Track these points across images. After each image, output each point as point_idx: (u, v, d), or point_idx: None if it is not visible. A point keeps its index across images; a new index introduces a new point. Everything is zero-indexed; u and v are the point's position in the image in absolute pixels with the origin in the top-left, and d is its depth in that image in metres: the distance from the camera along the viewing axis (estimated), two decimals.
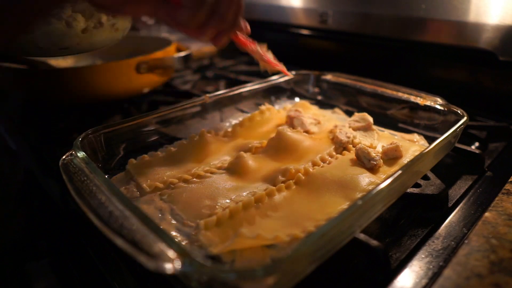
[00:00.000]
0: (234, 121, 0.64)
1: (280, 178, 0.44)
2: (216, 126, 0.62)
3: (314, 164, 0.48)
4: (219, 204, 0.40)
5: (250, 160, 0.48)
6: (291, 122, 0.60)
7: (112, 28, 0.56)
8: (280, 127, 0.55)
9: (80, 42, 0.54)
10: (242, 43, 0.51)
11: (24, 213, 0.61)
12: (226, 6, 0.39)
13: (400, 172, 0.36)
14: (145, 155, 0.51)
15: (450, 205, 0.45)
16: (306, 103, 0.69)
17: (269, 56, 0.55)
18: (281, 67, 0.56)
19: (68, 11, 0.50)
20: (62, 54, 0.54)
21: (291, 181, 0.44)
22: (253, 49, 0.52)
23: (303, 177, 0.44)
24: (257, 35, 0.53)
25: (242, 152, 0.49)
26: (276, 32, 1.15)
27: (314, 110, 0.68)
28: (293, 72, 0.74)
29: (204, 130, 0.56)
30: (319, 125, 0.60)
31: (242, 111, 0.67)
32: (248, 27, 0.47)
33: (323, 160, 0.50)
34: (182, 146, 0.54)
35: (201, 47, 1.26)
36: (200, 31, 0.39)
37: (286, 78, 0.73)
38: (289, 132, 0.53)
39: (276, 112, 0.65)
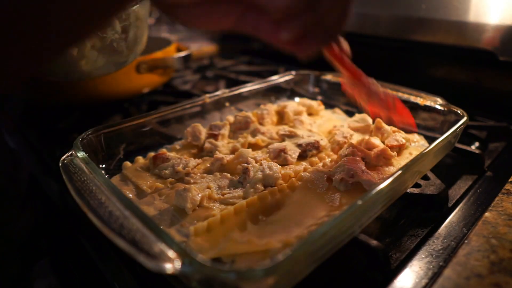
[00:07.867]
0: None
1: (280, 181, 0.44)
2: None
3: (312, 164, 0.48)
4: (216, 206, 0.40)
5: None
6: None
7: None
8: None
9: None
10: (341, 63, 0.38)
11: (30, 213, 0.61)
12: (328, 5, 0.28)
13: (400, 172, 0.36)
14: (140, 157, 0.50)
15: (450, 205, 0.45)
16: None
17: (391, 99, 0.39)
18: (410, 119, 0.44)
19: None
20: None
21: (284, 184, 0.43)
22: (360, 78, 0.38)
23: (298, 183, 0.43)
24: None
25: (242, 150, 0.49)
26: None
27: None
28: (293, 72, 0.74)
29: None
30: (318, 125, 0.60)
31: (242, 111, 0.67)
32: (348, 48, 0.37)
33: (321, 159, 0.49)
34: (174, 149, 0.54)
35: (201, 47, 1.26)
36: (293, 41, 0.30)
37: (287, 78, 0.73)
38: None
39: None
